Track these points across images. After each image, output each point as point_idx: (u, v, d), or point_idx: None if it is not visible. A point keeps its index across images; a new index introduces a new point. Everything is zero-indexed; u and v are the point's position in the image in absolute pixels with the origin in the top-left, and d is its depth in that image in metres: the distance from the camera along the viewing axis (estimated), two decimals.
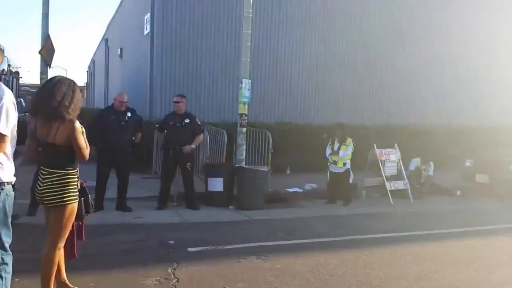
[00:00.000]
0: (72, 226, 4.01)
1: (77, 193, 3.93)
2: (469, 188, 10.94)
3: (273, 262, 5.39)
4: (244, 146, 9.77)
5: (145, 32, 14.66)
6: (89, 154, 3.98)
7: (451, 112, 16.19)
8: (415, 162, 10.94)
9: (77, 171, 3.95)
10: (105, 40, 25.04)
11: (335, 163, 9.47)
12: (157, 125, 9.74)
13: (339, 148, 9.44)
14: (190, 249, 5.79)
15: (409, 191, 10.21)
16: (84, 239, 4.24)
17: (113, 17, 23.03)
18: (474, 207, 9.53)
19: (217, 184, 8.63)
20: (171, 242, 6.06)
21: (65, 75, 4.87)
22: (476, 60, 16.82)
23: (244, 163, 9.64)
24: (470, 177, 11.03)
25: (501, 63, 17.30)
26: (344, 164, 9.41)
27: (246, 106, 9.80)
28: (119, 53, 19.30)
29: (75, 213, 3.92)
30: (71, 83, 3.88)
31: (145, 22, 14.65)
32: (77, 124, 3.82)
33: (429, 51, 16.25)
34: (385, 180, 10.03)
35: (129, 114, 7.93)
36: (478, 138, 14.26)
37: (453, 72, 16.57)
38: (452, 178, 11.37)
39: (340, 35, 15.13)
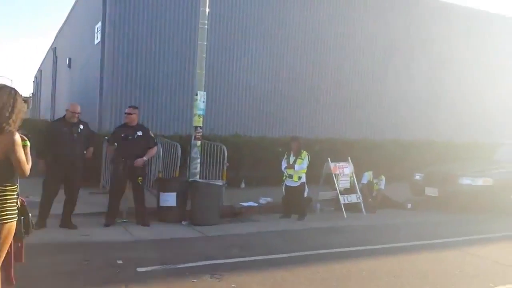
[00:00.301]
0: (10, 247, 3.68)
1: (16, 211, 3.60)
2: (419, 201, 11.16)
3: (228, 281, 5.18)
4: (199, 160, 9.55)
5: (96, 42, 14.23)
6: (38, 169, 3.68)
7: (399, 126, 16.62)
8: (367, 176, 11.05)
9: (16, 187, 3.63)
10: (53, 49, 24.26)
11: (290, 176, 9.40)
12: (106, 138, 9.36)
13: (294, 162, 9.38)
14: (139, 269, 5.48)
15: (362, 204, 10.29)
16: (23, 260, 3.90)
17: (62, 26, 22.35)
18: (425, 220, 9.66)
19: (169, 199, 8.34)
20: (119, 261, 5.73)
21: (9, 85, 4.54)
22: (424, 75, 17.42)
23: (198, 177, 9.42)
24: (419, 190, 11.26)
25: (451, 77, 17.97)
26: (300, 178, 9.35)
27: (201, 118, 9.61)
28: (67, 62, 18.68)
29: (13, 233, 3.60)
30: (12, 91, 3.59)
31: (96, 31, 14.22)
32: (17, 137, 3.52)
33: (380, 65, 16.66)
34: (339, 193, 10.06)
35: (81, 127, 7.58)
36: (426, 152, 14.66)
37: (402, 87, 17.05)
38: (402, 191, 11.56)
39: (295, 47, 15.23)
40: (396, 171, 13.11)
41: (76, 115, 7.56)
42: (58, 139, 7.34)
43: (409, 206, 10.96)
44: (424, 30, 17.42)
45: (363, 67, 16.35)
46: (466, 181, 10.33)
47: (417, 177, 11.51)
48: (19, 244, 3.80)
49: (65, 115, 7.71)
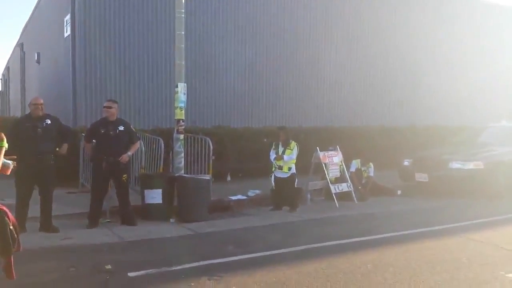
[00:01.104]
0: None
1: None
2: (409, 187, 10.99)
3: (228, 283, 4.82)
4: (183, 154, 9.14)
5: (65, 35, 13.54)
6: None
7: (382, 113, 16.48)
8: (356, 164, 10.82)
9: None
10: (20, 45, 23.22)
11: (280, 168, 9.07)
12: (83, 134, 8.83)
13: (283, 152, 9.04)
14: (131, 274, 5.06)
15: (353, 193, 10.04)
16: (14, 277, 3.43)
17: (29, 20, 21.39)
18: (419, 207, 9.46)
19: (155, 196, 7.88)
20: (108, 266, 5.28)
21: None
22: (405, 59, 17.30)
23: (183, 171, 9.02)
24: (409, 176, 11.09)
25: (432, 62, 17.91)
26: (289, 168, 9.03)
27: (183, 111, 9.19)
28: (36, 58, 17.83)
29: None
30: None
31: (65, 24, 13.54)
32: None
33: (360, 52, 16.45)
34: (329, 183, 9.78)
35: (48, 121, 6.99)
36: (410, 137, 14.57)
37: (384, 73, 16.91)
38: (390, 178, 11.37)
39: (277, 36, 14.86)
40: (382, 157, 12.90)
41: (40, 107, 6.99)
42: (21, 135, 6.75)
43: (399, 192, 10.81)
44: (402, 13, 17.30)
45: (341, 55, 16.11)
46: (456, 165, 10.19)
47: (406, 163, 11.34)
48: (8, 261, 3.32)
49: (30, 111, 7.17)
